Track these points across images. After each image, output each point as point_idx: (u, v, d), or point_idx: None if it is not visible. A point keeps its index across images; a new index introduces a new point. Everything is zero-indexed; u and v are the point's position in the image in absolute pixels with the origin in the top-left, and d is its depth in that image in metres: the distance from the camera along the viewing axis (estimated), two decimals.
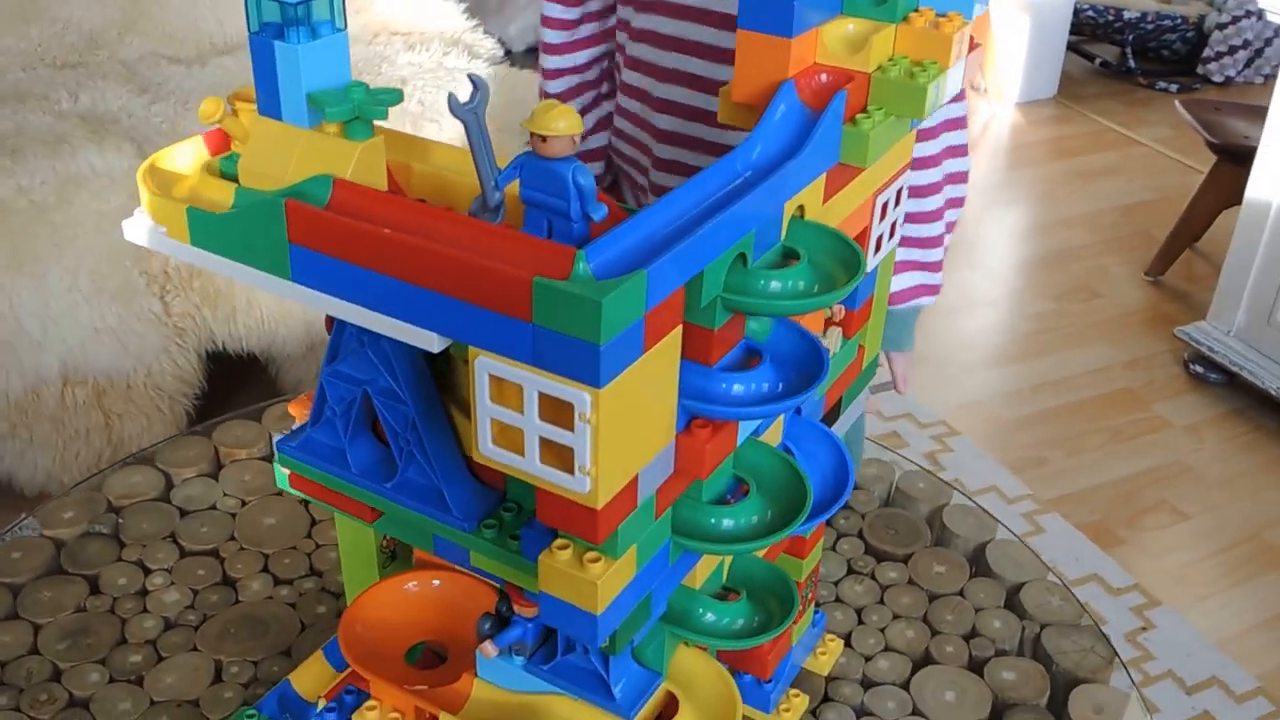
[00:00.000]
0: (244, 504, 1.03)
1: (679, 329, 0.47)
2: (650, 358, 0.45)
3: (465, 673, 0.61)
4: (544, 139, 0.47)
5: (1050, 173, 3.20)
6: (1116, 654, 0.89)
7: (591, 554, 0.48)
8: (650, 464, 0.48)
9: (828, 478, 0.62)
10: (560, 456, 0.45)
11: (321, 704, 0.76)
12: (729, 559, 0.62)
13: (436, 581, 0.67)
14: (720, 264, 0.48)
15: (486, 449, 0.46)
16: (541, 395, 0.44)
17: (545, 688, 0.58)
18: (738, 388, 0.50)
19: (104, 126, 1.74)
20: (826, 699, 0.85)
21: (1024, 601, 0.94)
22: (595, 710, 0.56)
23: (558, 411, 0.44)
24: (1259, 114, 2.54)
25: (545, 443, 0.45)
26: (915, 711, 0.84)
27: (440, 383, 0.57)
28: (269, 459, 1.09)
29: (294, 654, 0.88)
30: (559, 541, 0.49)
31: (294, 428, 0.63)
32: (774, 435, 0.62)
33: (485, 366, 0.44)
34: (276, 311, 1.66)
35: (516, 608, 0.57)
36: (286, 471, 0.68)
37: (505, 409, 0.45)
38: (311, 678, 0.80)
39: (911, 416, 2.09)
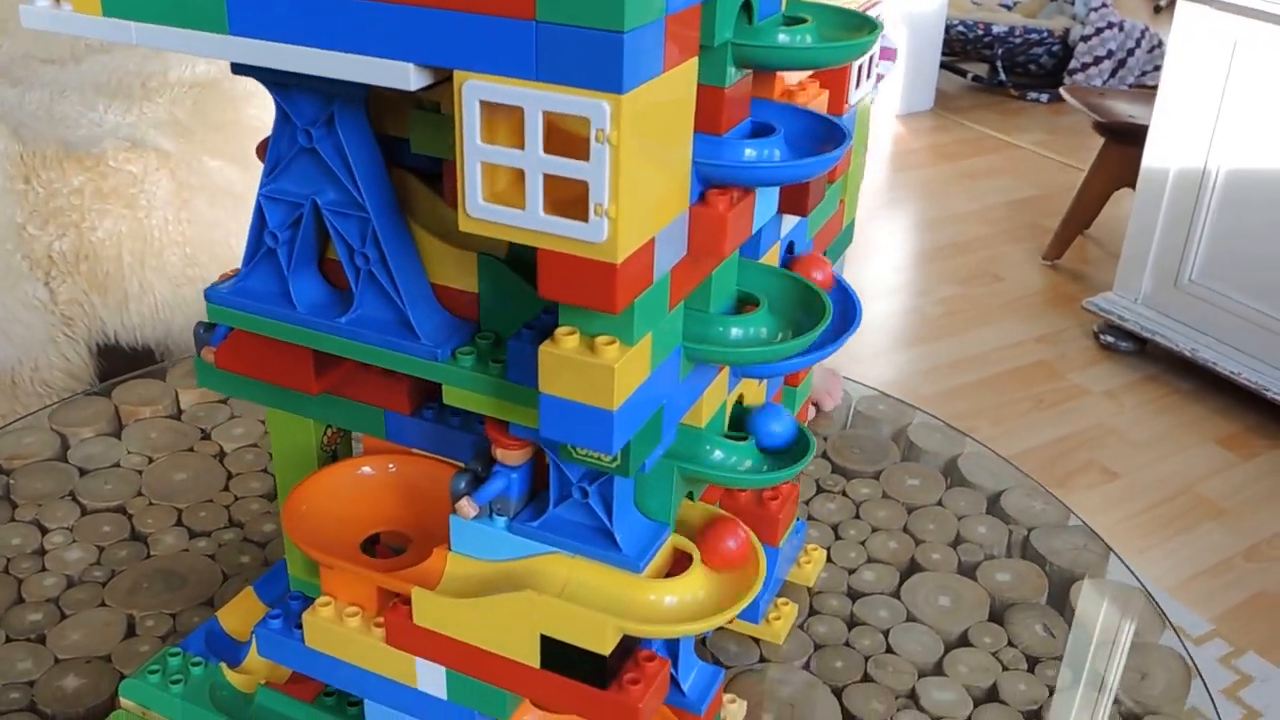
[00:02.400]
0: (151, 461, 0.92)
1: (695, 62, 0.39)
2: (669, 81, 0.37)
3: (436, 549, 0.52)
4: None
5: (936, 174, 3.22)
6: (1112, 550, 0.84)
7: (604, 337, 0.40)
8: (668, 229, 0.40)
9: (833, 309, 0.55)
10: (570, 203, 0.37)
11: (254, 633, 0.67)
12: (730, 402, 0.54)
13: (392, 465, 0.58)
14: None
15: (476, 207, 0.38)
16: (548, 120, 0.36)
17: (534, 550, 0.49)
18: (749, 152, 0.43)
19: None
20: (813, 612, 0.77)
21: (1006, 508, 0.88)
22: (597, 566, 0.48)
23: (565, 144, 0.36)
24: (1139, 96, 2.60)
25: (551, 190, 0.37)
26: (911, 618, 0.77)
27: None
28: (177, 416, 0.99)
29: (217, 604, 0.78)
30: (563, 328, 0.41)
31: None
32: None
33: (476, 92, 0.36)
34: (171, 299, 1.54)
35: (500, 453, 0.48)
36: (211, 358, 0.59)
37: (501, 148, 0.37)
38: (241, 615, 0.70)
39: None
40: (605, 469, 0.44)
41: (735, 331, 0.48)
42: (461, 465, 0.58)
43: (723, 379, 0.51)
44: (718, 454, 0.51)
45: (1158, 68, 3.82)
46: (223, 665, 0.65)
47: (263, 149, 0.54)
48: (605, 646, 0.46)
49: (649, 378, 0.42)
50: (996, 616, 0.77)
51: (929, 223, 2.89)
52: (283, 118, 0.46)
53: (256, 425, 0.97)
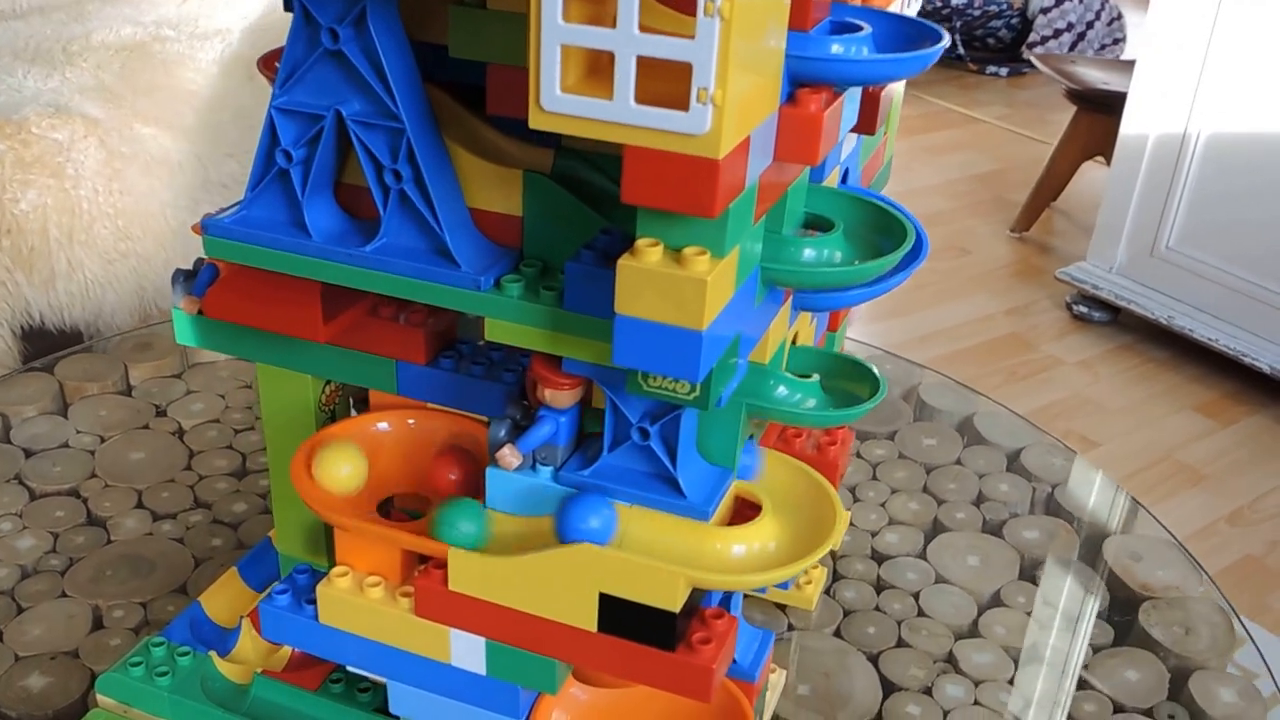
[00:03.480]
0: (102, 440, 0.87)
1: None
2: None
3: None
4: None
5: (898, 149, 3.23)
6: (1141, 505, 0.83)
7: (693, 248, 0.37)
8: (760, 128, 0.37)
9: None
10: (665, 90, 0.34)
11: (244, 618, 0.63)
12: (790, 341, 0.51)
13: (412, 420, 0.55)
14: None
15: (553, 99, 0.35)
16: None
17: None
18: (839, 48, 0.40)
19: None
20: (838, 577, 0.75)
21: (1027, 465, 0.87)
22: (656, 516, 0.45)
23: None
24: (1109, 65, 2.62)
25: (642, 76, 0.34)
26: (940, 579, 0.75)
27: None
28: (128, 393, 0.94)
29: (191, 592, 0.73)
30: (644, 240, 0.38)
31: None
32: None
33: None
34: (102, 276, 1.47)
35: (548, 394, 0.45)
36: (193, 309, 0.55)
37: (586, 27, 0.34)
38: (226, 599, 0.66)
39: None
40: (681, 402, 0.41)
41: (808, 253, 0.45)
42: (484, 419, 0.55)
43: (785, 311, 0.49)
44: (782, 390, 0.48)
45: (1117, 40, 3.87)
46: (212, 654, 0.61)
47: (268, 61, 0.50)
48: (676, 602, 0.43)
49: (732, 299, 0.40)
50: (1028, 575, 0.76)
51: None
52: (303, 19, 0.42)
53: (216, 401, 0.93)
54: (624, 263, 0.37)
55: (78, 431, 0.88)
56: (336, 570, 0.51)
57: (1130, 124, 2.14)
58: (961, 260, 2.53)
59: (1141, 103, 2.11)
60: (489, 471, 0.47)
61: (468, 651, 0.48)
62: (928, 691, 0.66)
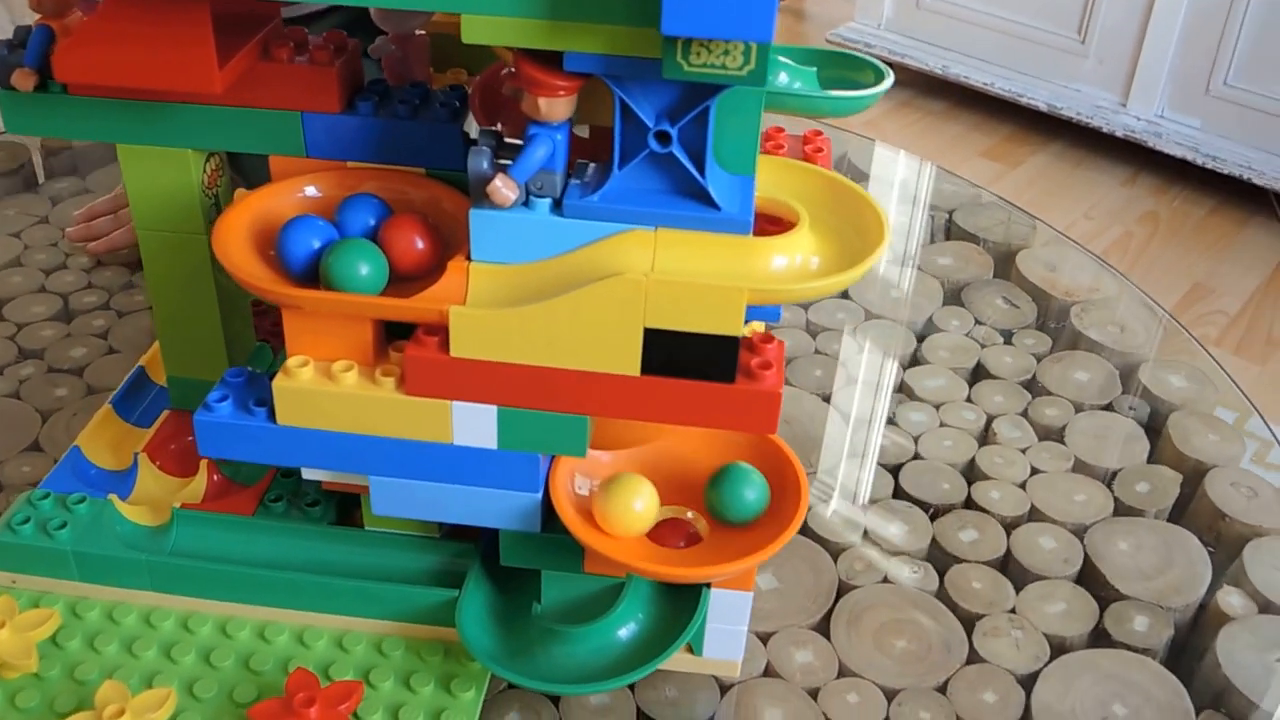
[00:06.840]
0: None
1: None
2: None
3: (451, 263, 0.41)
4: None
5: None
6: (1037, 219, 0.83)
7: None
8: None
9: None
10: None
11: (139, 453, 0.54)
12: None
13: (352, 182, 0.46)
14: None
15: None
16: None
17: (583, 239, 0.40)
18: None
19: None
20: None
21: (915, 192, 0.86)
22: (686, 239, 0.39)
23: None
24: None
25: None
26: (871, 316, 0.73)
27: None
28: None
29: (46, 447, 0.64)
30: None
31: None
32: None
33: None
34: None
35: (543, 104, 0.38)
36: (28, 84, 0.45)
37: None
38: (107, 441, 0.57)
39: None
40: (732, 79, 0.35)
41: None
42: (419, 170, 0.47)
43: None
44: (784, 77, 0.43)
45: None
46: (112, 497, 0.52)
47: None
48: (737, 325, 0.38)
49: None
50: (953, 299, 0.75)
51: None
52: None
53: (10, 242, 0.80)
54: None
55: None
56: (293, 360, 0.43)
57: None
58: None
59: None
60: (473, 214, 0.40)
61: (474, 426, 0.42)
62: (892, 421, 0.65)
